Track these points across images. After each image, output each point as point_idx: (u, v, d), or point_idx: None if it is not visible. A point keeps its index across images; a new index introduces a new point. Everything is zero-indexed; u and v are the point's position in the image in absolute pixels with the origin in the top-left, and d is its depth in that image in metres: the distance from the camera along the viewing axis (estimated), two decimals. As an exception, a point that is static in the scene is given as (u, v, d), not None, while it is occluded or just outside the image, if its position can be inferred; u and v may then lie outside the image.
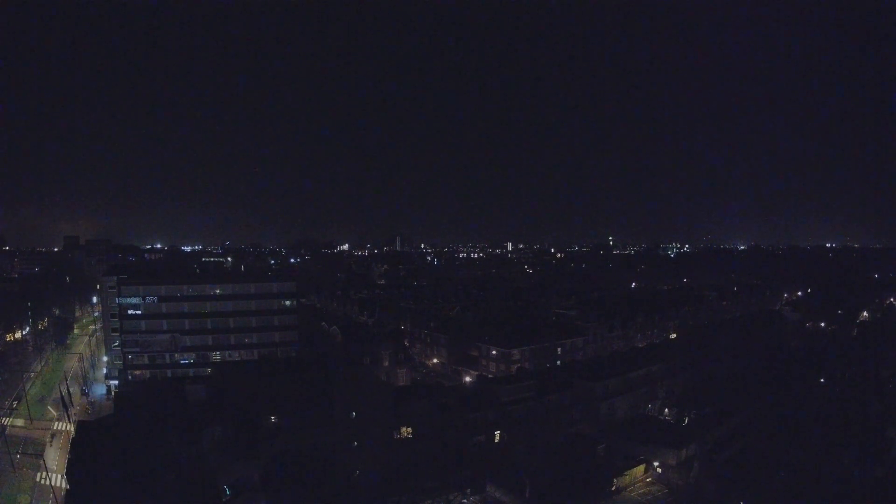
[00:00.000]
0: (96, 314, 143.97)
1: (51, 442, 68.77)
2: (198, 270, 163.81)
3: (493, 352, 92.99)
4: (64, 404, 72.75)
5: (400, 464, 54.65)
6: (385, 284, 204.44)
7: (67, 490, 46.12)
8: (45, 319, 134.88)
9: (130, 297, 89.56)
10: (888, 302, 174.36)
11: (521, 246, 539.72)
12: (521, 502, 52.07)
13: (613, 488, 55.99)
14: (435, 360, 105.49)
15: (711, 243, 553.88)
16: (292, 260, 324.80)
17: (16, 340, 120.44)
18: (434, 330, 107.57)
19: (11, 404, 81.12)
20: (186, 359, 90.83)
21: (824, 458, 56.59)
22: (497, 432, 63.20)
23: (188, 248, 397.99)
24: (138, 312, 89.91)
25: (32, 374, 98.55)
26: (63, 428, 73.44)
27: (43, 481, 57.42)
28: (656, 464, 59.98)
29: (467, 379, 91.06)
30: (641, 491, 57.10)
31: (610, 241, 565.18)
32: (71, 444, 52.64)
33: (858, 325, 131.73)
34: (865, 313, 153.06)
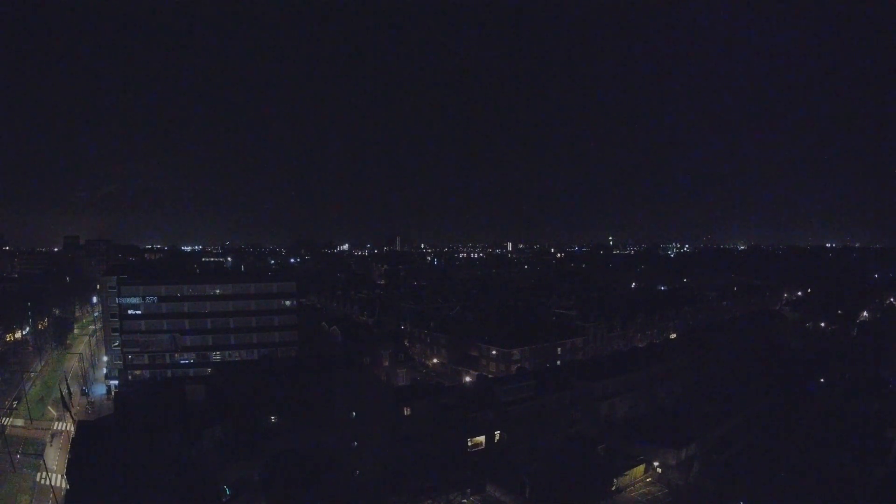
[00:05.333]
0: (96, 314, 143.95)
1: (51, 442, 68.74)
2: (198, 270, 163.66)
3: (493, 352, 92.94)
4: (65, 404, 72.64)
5: (400, 464, 54.65)
6: (385, 284, 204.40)
7: (67, 490, 46.14)
8: (45, 319, 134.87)
9: (130, 297, 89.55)
10: (888, 302, 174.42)
11: (521, 246, 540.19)
12: (521, 502, 52.06)
13: (613, 488, 55.94)
14: (435, 360, 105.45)
15: (711, 243, 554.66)
16: (292, 260, 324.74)
17: (16, 340, 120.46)
18: (434, 330, 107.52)
19: (11, 404, 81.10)
20: (186, 359, 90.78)
21: (824, 458, 56.59)
22: (497, 432, 63.18)
23: (188, 248, 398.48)
24: (138, 312, 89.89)
25: (32, 374, 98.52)
26: (63, 428, 73.43)
27: (43, 481, 57.38)
28: (656, 464, 59.94)
29: (467, 379, 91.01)
30: (641, 491, 57.04)
31: (610, 241, 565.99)
32: (71, 444, 52.66)
33: (858, 325, 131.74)
34: (865, 313, 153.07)
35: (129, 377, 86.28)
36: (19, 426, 74.20)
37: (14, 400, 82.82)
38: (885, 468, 57.22)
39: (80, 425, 58.25)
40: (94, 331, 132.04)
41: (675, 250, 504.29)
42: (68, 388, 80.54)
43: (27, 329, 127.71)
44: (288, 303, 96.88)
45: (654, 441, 62.81)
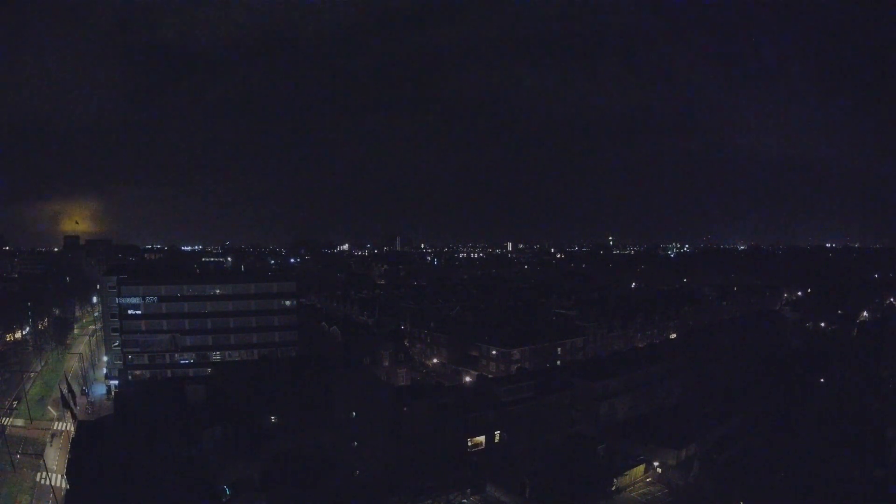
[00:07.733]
0: (96, 314, 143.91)
1: (51, 442, 68.74)
2: (198, 270, 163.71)
3: (493, 352, 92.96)
4: (65, 402, 72.50)
5: (400, 464, 54.64)
6: (385, 284, 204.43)
7: (67, 490, 46.15)
8: (45, 319, 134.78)
9: (130, 297, 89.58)
10: (888, 302, 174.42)
11: (521, 246, 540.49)
12: (521, 502, 52.07)
13: (613, 488, 55.95)
14: (435, 360, 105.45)
15: (711, 243, 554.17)
16: (292, 260, 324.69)
17: (16, 340, 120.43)
18: (434, 330, 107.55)
19: (11, 404, 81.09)
20: (186, 359, 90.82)
21: (824, 458, 56.55)
22: (497, 432, 63.19)
23: (188, 248, 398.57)
24: (138, 312, 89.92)
25: (32, 374, 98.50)
26: (63, 428, 73.43)
27: (43, 481, 57.40)
28: (656, 464, 59.96)
29: (467, 379, 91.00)
30: (641, 491, 57.06)
31: (610, 241, 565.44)
32: (71, 444, 52.66)
33: (858, 325, 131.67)
34: (865, 313, 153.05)
35: (129, 377, 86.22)
36: (19, 426, 74.20)
37: (14, 400, 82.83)
38: (885, 468, 57.22)
39: (80, 425, 58.25)
40: (94, 331, 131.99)
41: (675, 250, 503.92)
42: (69, 389, 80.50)
43: (27, 329, 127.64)
44: (288, 303, 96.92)
45: (654, 441, 62.83)
